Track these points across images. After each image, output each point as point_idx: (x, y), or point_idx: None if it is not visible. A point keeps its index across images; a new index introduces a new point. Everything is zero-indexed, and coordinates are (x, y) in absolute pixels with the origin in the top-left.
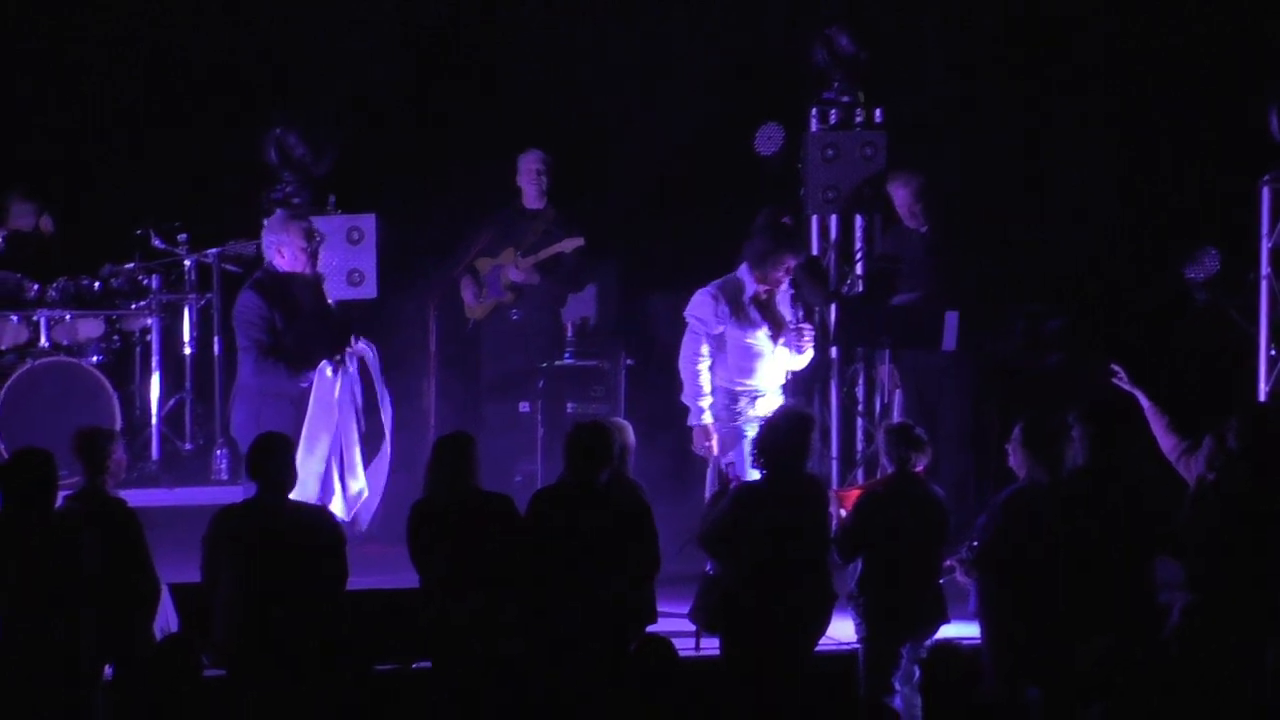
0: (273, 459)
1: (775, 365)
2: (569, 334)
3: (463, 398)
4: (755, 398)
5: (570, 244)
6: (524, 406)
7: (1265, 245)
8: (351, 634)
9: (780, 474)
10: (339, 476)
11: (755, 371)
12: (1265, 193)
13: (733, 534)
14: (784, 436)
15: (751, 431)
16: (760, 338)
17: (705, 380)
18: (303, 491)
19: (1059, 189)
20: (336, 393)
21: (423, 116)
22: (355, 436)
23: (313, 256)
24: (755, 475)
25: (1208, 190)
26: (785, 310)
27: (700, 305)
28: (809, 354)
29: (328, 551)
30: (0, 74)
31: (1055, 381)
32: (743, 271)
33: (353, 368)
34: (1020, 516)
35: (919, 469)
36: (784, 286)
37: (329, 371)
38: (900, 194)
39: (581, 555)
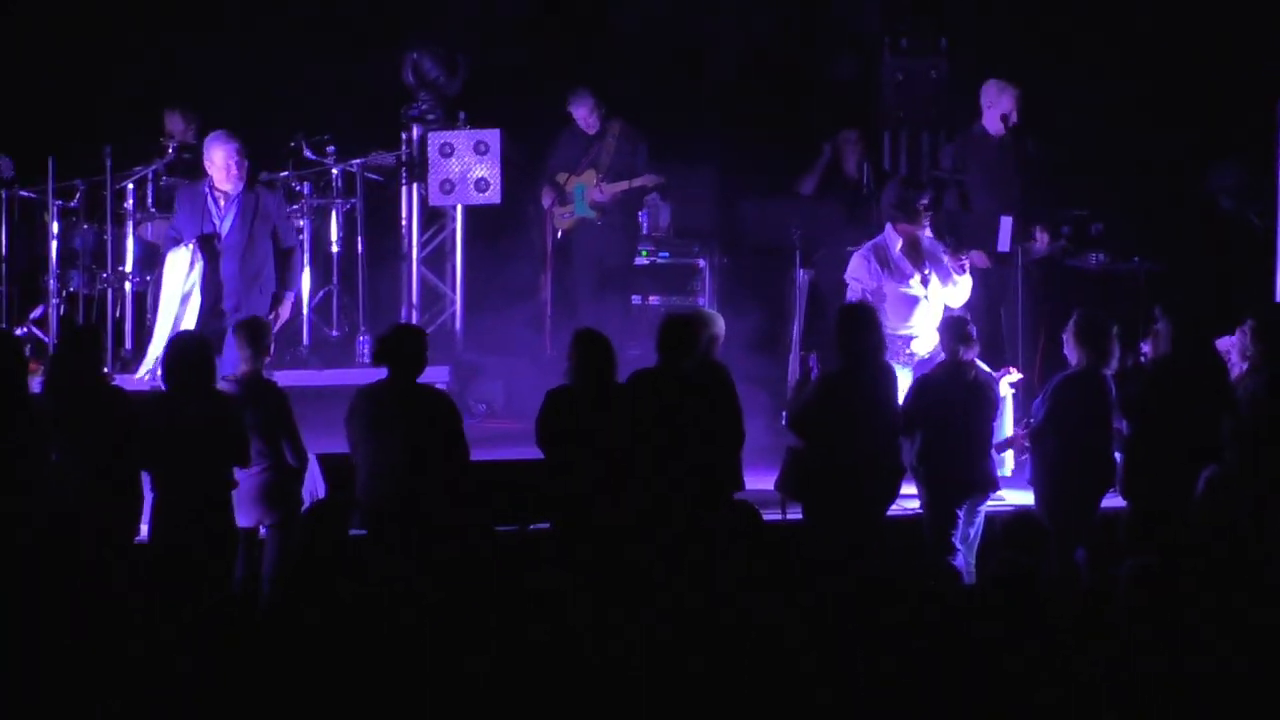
0: (403, 347)
1: (933, 308)
2: (656, 230)
3: (567, 292)
4: (912, 340)
5: (651, 179)
6: (635, 299)
7: None
8: (476, 498)
9: (855, 363)
10: None
11: (913, 316)
12: None
13: (816, 416)
14: (857, 329)
15: (906, 376)
16: (914, 285)
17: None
18: None
19: (1100, 101)
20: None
21: (543, 39)
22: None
23: (232, 175)
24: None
25: (1233, 110)
26: (936, 252)
27: (856, 267)
28: (966, 284)
29: (448, 425)
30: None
31: (1098, 280)
32: (888, 231)
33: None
34: (1070, 397)
35: (968, 358)
36: (926, 231)
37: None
38: (1005, 101)
39: (672, 430)
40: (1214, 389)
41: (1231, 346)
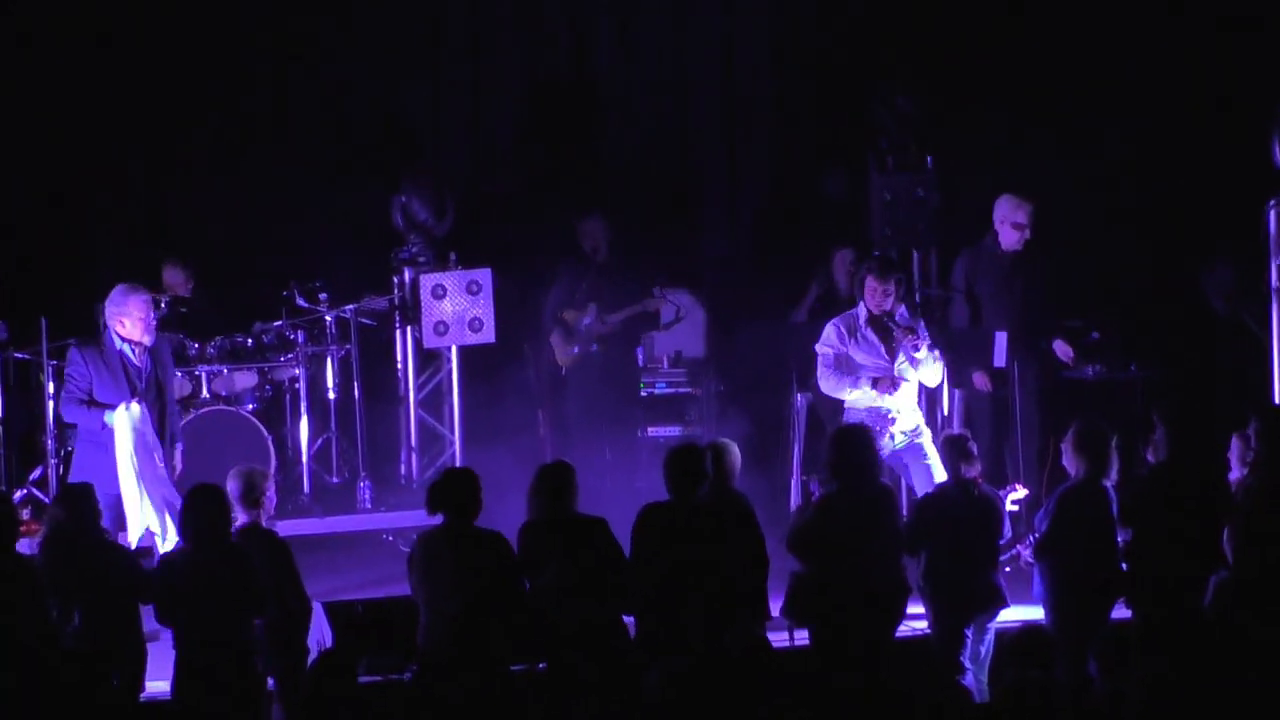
0: (457, 492)
1: (906, 385)
2: (664, 366)
3: (565, 428)
4: (889, 418)
5: (652, 304)
6: (641, 432)
7: (1274, 262)
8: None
9: (852, 483)
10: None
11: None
12: (1271, 215)
13: (815, 538)
14: (852, 450)
15: (888, 448)
16: (880, 357)
17: (841, 378)
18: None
19: (1088, 217)
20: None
21: (533, 177)
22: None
23: (150, 327)
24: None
25: (1224, 212)
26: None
27: (826, 334)
28: (934, 366)
29: (506, 568)
30: (158, 155)
31: (1096, 390)
32: (859, 303)
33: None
34: (1074, 509)
35: (971, 475)
36: (899, 310)
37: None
38: (1020, 215)
39: (683, 563)
40: (1213, 493)
41: (1231, 452)
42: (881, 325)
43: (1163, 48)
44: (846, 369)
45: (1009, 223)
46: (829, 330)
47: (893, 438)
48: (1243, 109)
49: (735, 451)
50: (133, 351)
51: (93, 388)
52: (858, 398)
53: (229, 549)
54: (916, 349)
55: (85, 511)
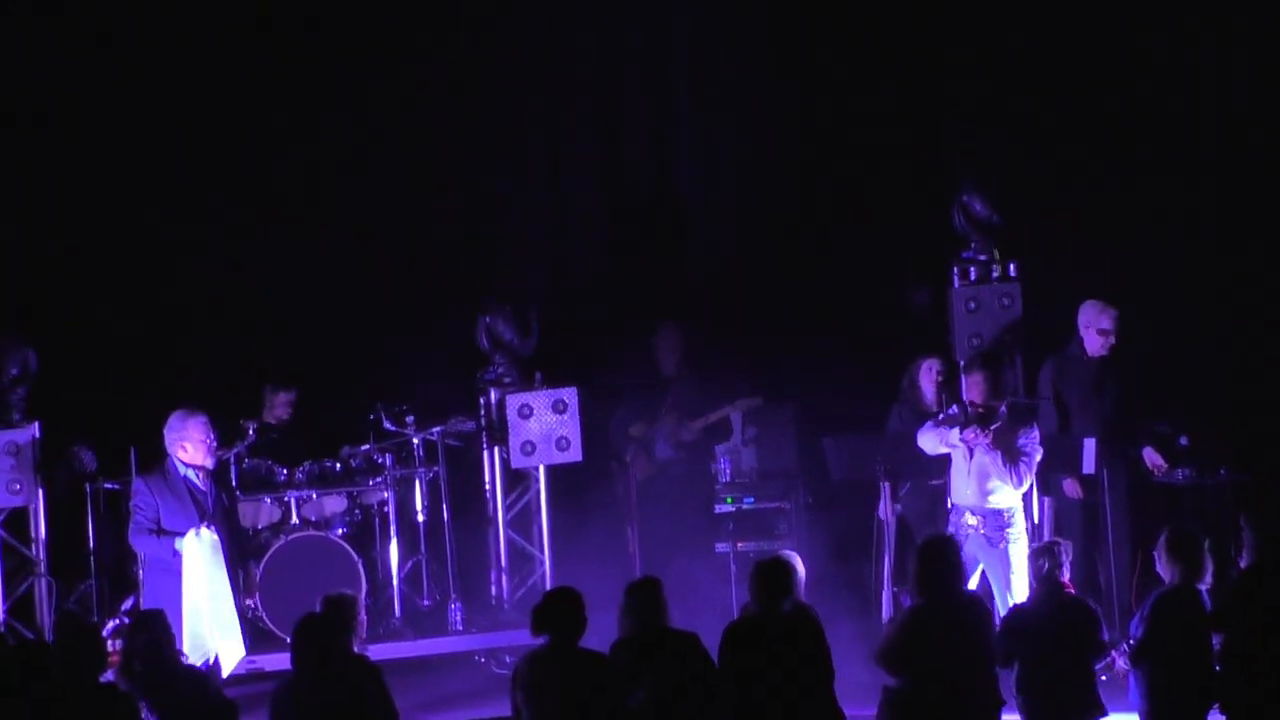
0: (561, 612)
1: (975, 471)
2: (751, 479)
3: (663, 543)
4: (964, 510)
5: (747, 403)
6: (721, 547)
7: None
8: None
9: (939, 594)
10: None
11: (971, 489)
12: None
13: (903, 650)
14: (936, 562)
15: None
16: (958, 457)
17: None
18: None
19: (1176, 321)
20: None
21: (616, 293)
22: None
23: (211, 449)
24: None
25: None
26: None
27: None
28: (1021, 480)
29: (609, 690)
30: (246, 280)
31: (1186, 495)
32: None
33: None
34: (1168, 614)
35: (1061, 580)
36: (1001, 409)
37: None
38: (1105, 320)
39: (773, 676)
40: None
41: None
42: (965, 410)
43: (1257, 150)
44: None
45: (1094, 328)
46: (927, 428)
47: (960, 527)
48: None
49: (800, 564)
50: (196, 476)
51: (160, 516)
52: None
53: (342, 676)
54: (975, 444)
55: (162, 637)
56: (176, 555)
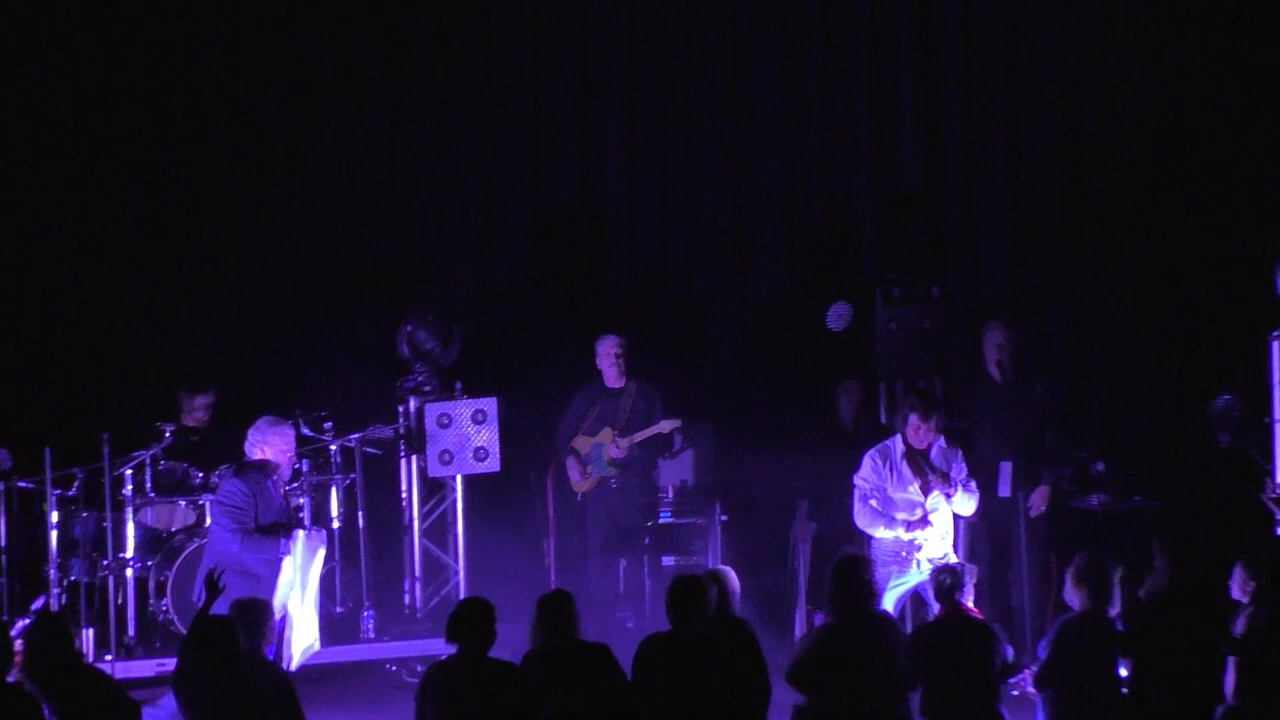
0: (472, 622)
1: (939, 516)
2: (668, 495)
3: (575, 557)
4: (915, 544)
5: (668, 425)
6: (624, 562)
7: (1276, 394)
8: None
9: (851, 614)
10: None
11: (936, 545)
12: (1274, 347)
13: (813, 669)
14: (850, 580)
15: (913, 580)
16: (913, 491)
17: (876, 517)
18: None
19: (1099, 345)
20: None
21: (539, 305)
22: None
23: (291, 461)
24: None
25: (1229, 344)
26: (942, 464)
27: (863, 468)
28: (970, 501)
29: (520, 699)
30: (166, 283)
31: (1101, 520)
32: (895, 438)
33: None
34: (1075, 639)
35: (962, 602)
36: (937, 442)
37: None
38: (994, 338)
39: (681, 696)
40: (1215, 624)
41: (1233, 581)
42: (916, 460)
43: (1174, 175)
44: (881, 503)
45: (989, 347)
46: (866, 463)
47: (918, 565)
48: (1247, 241)
49: (734, 579)
50: (277, 482)
51: (258, 516)
52: (890, 537)
53: (245, 681)
54: (949, 496)
55: (63, 637)
56: (283, 553)
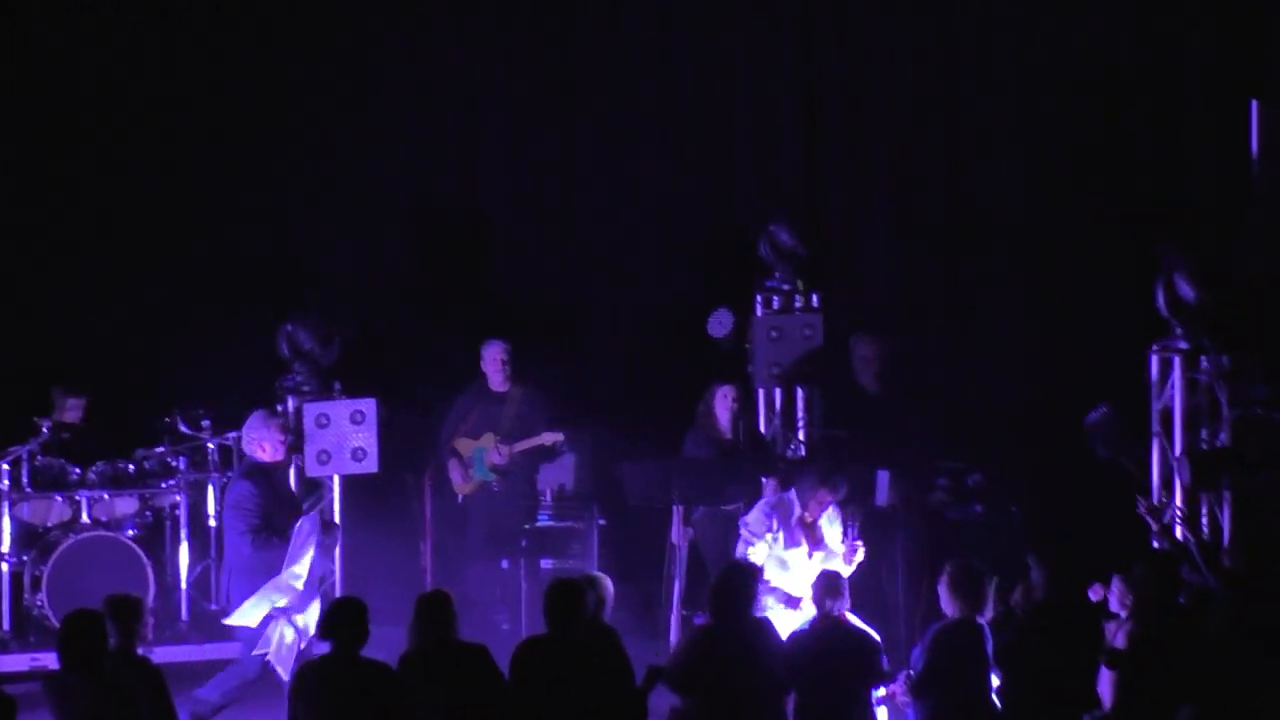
0: (346, 621)
1: (810, 573)
2: (547, 499)
3: (454, 558)
4: (781, 596)
5: (550, 437)
6: (505, 564)
7: (1155, 406)
8: None
9: (730, 620)
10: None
11: (792, 577)
12: (1153, 360)
13: (691, 672)
14: (731, 587)
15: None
16: (799, 554)
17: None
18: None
19: (977, 358)
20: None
21: (420, 308)
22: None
23: (290, 447)
24: None
25: (1109, 356)
26: (828, 529)
27: (754, 519)
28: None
29: (391, 699)
30: (44, 277)
31: (977, 530)
32: (793, 494)
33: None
34: (949, 648)
35: (839, 613)
36: (828, 512)
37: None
38: (862, 349)
39: (558, 699)
40: (1087, 635)
41: (1111, 594)
42: (813, 530)
43: (1053, 189)
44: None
45: (859, 358)
46: (758, 516)
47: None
48: (1127, 254)
49: (610, 585)
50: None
51: (270, 514)
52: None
53: (112, 675)
54: (850, 561)
55: None
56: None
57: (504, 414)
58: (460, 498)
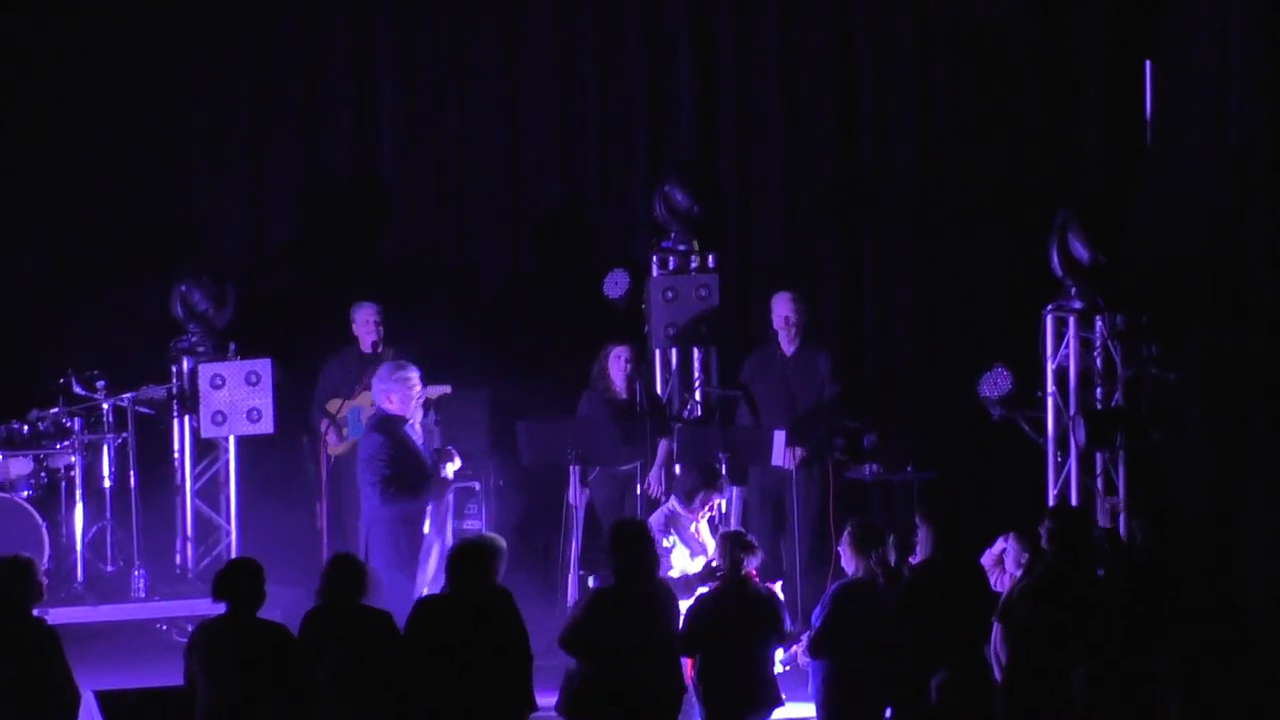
0: (242, 582)
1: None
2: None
3: (340, 518)
4: None
5: (437, 390)
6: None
7: (1050, 366)
8: None
9: (626, 579)
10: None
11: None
12: (1048, 320)
13: (586, 634)
14: (628, 545)
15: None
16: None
17: None
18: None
19: (872, 320)
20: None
21: (313, 270)
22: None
23: (418, 400)
24: None
25: (1005, 315)
26: (706, 534)
27: (655, 521)
28: None
29: (286, 659)
30: None
31: (874, 490)
32: (677, 504)
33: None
34: (848, 606)
35: (750, 569)
36: (708, 514)
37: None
38: (781, 307)
39: (454, 659)
40: (973, 592)
41: (1004, 552)
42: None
43: (945, 151)
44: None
45: (778, 318)
46: (653, 523)
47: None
48: (1022, 215)
49: (503, 546)
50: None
51: (401, 466)
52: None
53: (15, 639)
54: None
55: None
56: (426, 504)
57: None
58: (332, 459)
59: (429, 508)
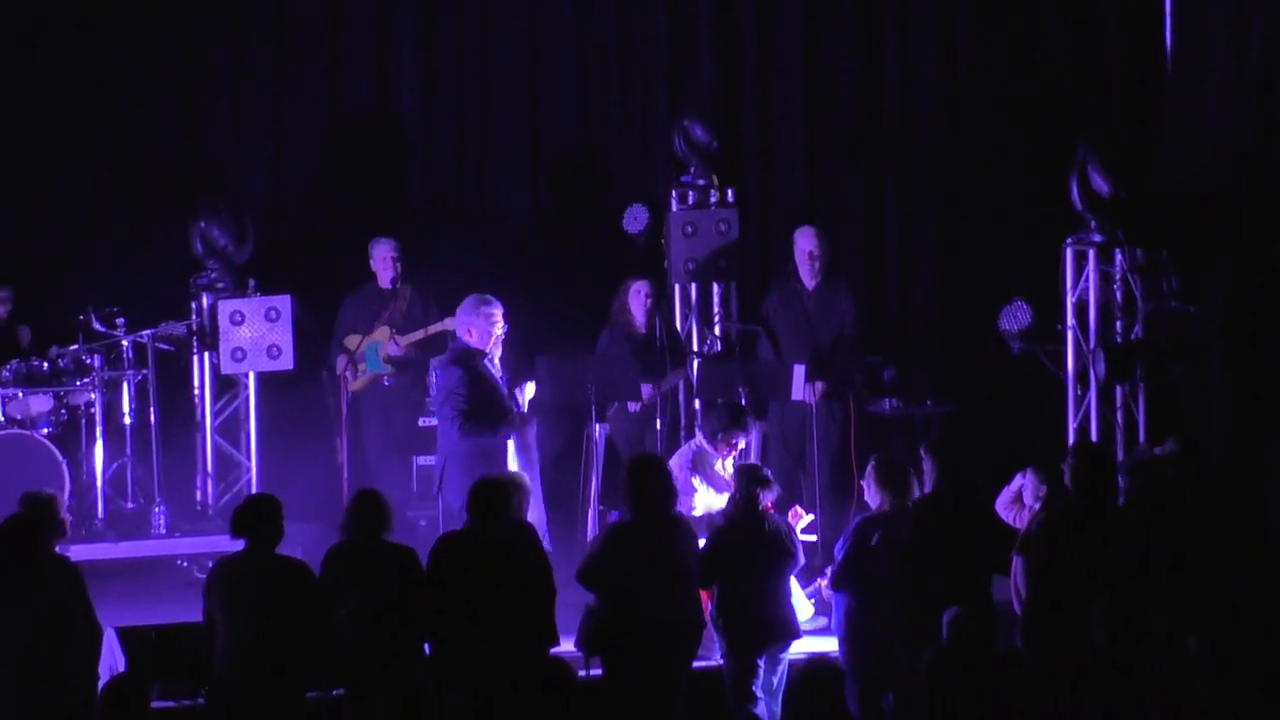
0: (259, 518)
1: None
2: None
3: (362, 453)
4: None
5: (453, 322)
6: (422, 460)
7: (1070, 299)
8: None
9: (647, 513)
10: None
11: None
12: (1068, 253)
13: (606, 568)
14: (646, 480)
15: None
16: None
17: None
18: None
19: (892, 254)
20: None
21: (334, 206)
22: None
23: (494, 340)
24: None
25: (1025, 250)
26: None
27: (675, 461)
28: None
29: (305, 595)
30: None
31: (893, 424)
32: (702, 441)
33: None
34: (869, 539)
35: (766, 504)
36: (734, 453)
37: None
38: (804, 242)
39: (477, 593)
40: (979, 526)
41: (1023, 487)
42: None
43: (966, 84)
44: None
45: (801, 252)
46: (679, 461)
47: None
48: (1043, 149)
49: (528, 482)
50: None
51: (479, 399)
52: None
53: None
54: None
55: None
56: (503, 437)
57: (396, 309)
58: (352, 395)
59: (511, 441)
